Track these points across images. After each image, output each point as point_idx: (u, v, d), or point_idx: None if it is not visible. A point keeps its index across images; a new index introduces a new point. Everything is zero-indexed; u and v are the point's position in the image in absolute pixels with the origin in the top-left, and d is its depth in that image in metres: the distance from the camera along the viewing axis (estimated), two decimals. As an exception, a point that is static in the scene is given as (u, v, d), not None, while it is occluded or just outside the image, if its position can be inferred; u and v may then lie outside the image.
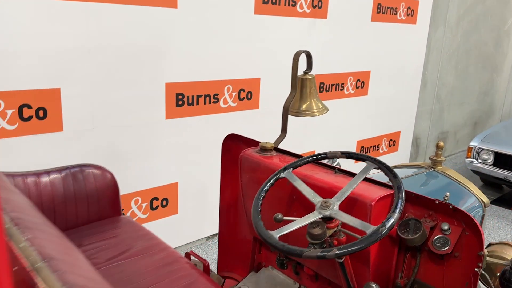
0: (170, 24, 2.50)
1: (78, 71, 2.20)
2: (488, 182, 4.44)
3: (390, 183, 1.12)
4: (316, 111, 1.54)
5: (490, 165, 3.93)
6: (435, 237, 1.14)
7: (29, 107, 2.08)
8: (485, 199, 1.65)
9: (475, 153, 4.02)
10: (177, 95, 2.64)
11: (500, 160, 3.88)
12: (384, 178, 1.28)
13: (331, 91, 3.67)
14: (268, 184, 1.24)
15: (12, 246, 0.74)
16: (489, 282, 1.29)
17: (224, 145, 1.75)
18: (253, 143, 1.63)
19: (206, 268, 1.70)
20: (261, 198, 1.20)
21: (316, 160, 1.31)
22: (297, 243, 1.19)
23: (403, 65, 4.30)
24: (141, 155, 2.55)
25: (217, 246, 2.64)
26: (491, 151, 3.92)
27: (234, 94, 2.93)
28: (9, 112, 2.02)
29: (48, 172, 1.64)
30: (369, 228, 0.98)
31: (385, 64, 4.09)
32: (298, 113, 1.54)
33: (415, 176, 1.71)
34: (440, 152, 1.75)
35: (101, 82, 2.29)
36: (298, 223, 1.07)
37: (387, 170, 1.13)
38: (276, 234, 1.07)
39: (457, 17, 5.00)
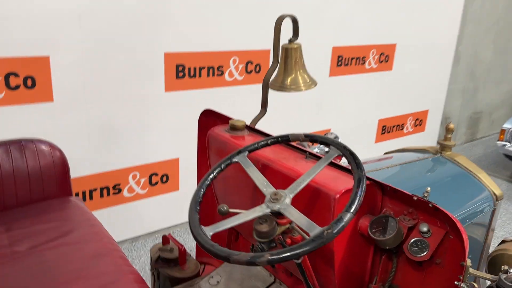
0: (169, -11, 2.34)
1: (68, 38, 2.09)
2: (522, 168, 4.10)
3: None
4: (302, 85, 1.36)
5: (525, 149, 3.60)
6: (412, 240, 0.96)
7: (16, 75, 2.00)
8: (498, 191, 1.43)
9: (508, 135, 3.68)
10: (178, 66, 2.49)
11: (536, 144, 3.54)
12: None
13: (350, 65, 3.42)
14: (217, 170, 1.09)
15: None
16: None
17: (200, 122, 1.61)
18: (228, 120, 1.49)
19: (182, 253, 1.59)
20: (204, 187, 1.05)
21: (277, 142, 1.15)
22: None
23: (434, 38, 3.96)
24: (138, 129, 2.45)
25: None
26: (527, 134, 3.58)
27: (240, 66, 2.76)
28: (-5, 80, 1.95)
29: None
30: (314, 230, 0.81)
31: (413, 37, 3.76)
32: (282, 88, 1.36)
33: (419, 161, 1.51)
34: (449, 136, 1.53)
35: (93, 51, 2.18)
36: (240, 218, 0.93)
37: (351, 157, 0.95)
38: (210, 231, 0.93)
39: (499, -14, 4.55)
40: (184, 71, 2.53)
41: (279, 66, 1.38)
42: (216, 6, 2.54)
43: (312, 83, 1.39)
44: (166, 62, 2.44)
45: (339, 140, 1.79)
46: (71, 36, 2.10)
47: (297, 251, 0.77)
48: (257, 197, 1.22)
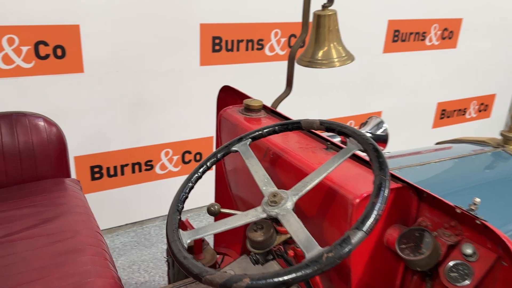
0: (206, -46, 2.17)
1: (99, 6, 2.00)
2: None
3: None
4: (336, 60, 1.15)
5: None
6: (452, 263, 0.75)
7: (46, 44, 1.94)
8: None
9: None
10: (214, 38, 2.34)
11: None
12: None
13: (408, 41, 3.09)
14: (211, 161, 0.93)
15: None
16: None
17: (219, 100, 1.45)
18: (246, 98, 1.31)
19: (198, 242, 1.46)
20: (193, 181, 0.89)
21: (286, 130, 0.95)
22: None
23: (507, 14, 3.48)
24: (171, 104, 2.34)
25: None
26: None
27: (283, 40, 2.55)
28: (24, 49, 1.90)
29: None
30: (311, 250, 0.63)
31: (482, 11, 3.33)
32: (311, 63, 1.16)
33: (475, 156, 1.25)
34: (517, 126, 1.26)
35: (125, 20, 2.07)
36: (228, 222, 0.76)
37: (374, 153, 0.74)
38: (188, 237, 0.77)
39: None
40: (221, 44, 2.37)
41: (310, 37, 1.18)
42: (258, -27, 2.34)
43: (348, 58, 1.17)
44: (202, 34, 2.29)
45: (384, 127, 1.57)
46: (102, 5, 2.00)
47: (283, 278, 0.60)
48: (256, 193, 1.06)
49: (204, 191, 2.60)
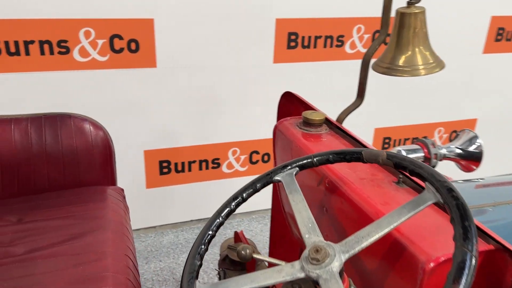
0: None
1: (174, 0, 1.96)
2: None
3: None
4: (421, 67, 0.95)
5: None
6: None
7: (121, 38, 1.95)
8: None
9: None
10: (290, 34, 2.20)
11: None
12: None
13: (515, 40, 2.68)
14: (247, 192, 0.78)
15: None
16: None
17: (280, 107, 1.30)
18: (309, 108, 1.15)
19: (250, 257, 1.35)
20: (223, 216, 0.76)
21: (342, 160, 0.76)
22: None
23: None
24: (241, 101, 2.26)
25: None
26: None
27: (366, 36, 2.33)
28: (100, 42, 1.92)
29: (14, 119, 1.33)
30: None
31: None
32: (390, 70, 0.97)
33: None
34: None
35: (198, 14, 2.01)
36: (256, 279, 0.62)
37: (458, 213, 0.54)
38: None
39: None
40: (297, 40, 2.22)
41: (391, 39, 1.00)
42: (342, -36, 2.14)
43: (437, 65, 0.97)
44: (277, 29, 2.17)
45: (478, 143, 1.32)
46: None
47: None
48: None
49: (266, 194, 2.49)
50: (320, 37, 2.25)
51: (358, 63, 2.40)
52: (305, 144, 0.98)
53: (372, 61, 1.09)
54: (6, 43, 1.79)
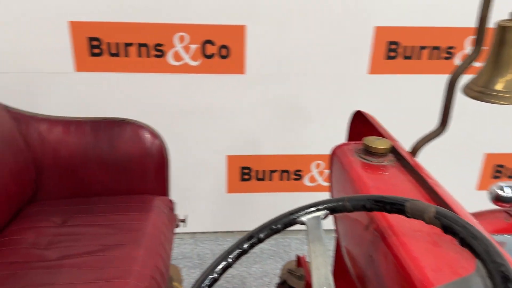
0: None
1: (266, 7, 1.92)
2: None
3: None
4: (525, 94, 0.75)
5: None
6: None
7: (212, 43, 1.97)
8: None
9: None
10: (390, 43, 2.02)
11: None
12: None
13: None
14: (264, 233, 0.68)
15: None
16: None
17: (352, 128, 1.16)
18: (378, 133, 0.99)
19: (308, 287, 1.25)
20: (218, 271, 0.65)
21: (383, 209, 0.62)
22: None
23: None
24: (329, 113, 2.14)
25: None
26: None
27: (481, 49, 2.04)
28: (193, 47, 1.97)
29: (75, 121, 1.34)
30: None
31: None
32: (484, 95, 0.78)
33: None
34: None
35: (290, 22, 1.95)
36: None
37: None
38: None
39: None
40: (398, 50, 2.03)
41: (487, 59, 0.82)
42: (457, -34, 1.90)
43: (549, 93, 0.76)
44: (376, 38, 2.00)
45: None
46: (270, 5, 1.92)
47: None
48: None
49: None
50: (425, 47, 2.03)
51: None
52: (360, 177, 0.84)
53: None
54: (108, 44, 1.92)
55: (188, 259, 2.21)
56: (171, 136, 2.00)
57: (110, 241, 1.10)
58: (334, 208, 0.68)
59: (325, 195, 2.44)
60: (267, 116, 2.12)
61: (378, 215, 0.74)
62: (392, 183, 0.84)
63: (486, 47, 0.81)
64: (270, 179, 2.28)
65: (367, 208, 0.65)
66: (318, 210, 0.69)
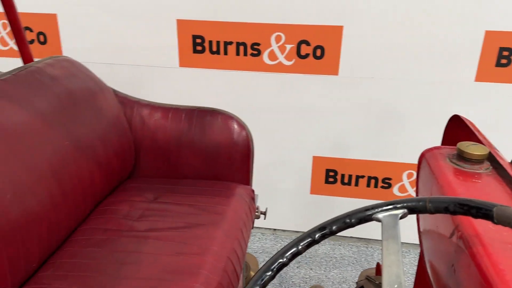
0: None
1: (365, 8, 1.88)
2: None
3: None
4: None
5: None
6: None
7: (308, 44, 1.99)
8: None
9: None
10: (501, 50, 1.84)
11: None
12: None
13: None
14: (323, 231, 0.65)
15: None
16: None
17: (447, 132, 1.08)
18: (476, 139, 0.91)
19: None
20: (288, 256, 0.63)
21: (467, 213, 0.56)
22: None
23: None
24: (425, 121, 2.02)
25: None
26: None
27: None
28: (288, 47, 2.00)
29: (173, 109, 1.43)
30: None
31: None
32: None
33: None
34: None
35: (390, 23, 1.88)
36: None
37: None
38: None
39: None
40: (511, 57, 1.85)
41: None
42: None
43: None
44: (485, 43, 1.85)
45: None
46: (368, 7, 1.87)
47: None
48: None
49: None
50: (544, 55, 1.82)
51: None
52: (449, 183, 0.79)
53: None
54: (210, 42, 2.04)
55: (267, 254, 2.25)
56: (260, 133, 2.06)
57: (193, 220, 1.18)
58: (414, 208, 0.65)
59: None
60: (358, 119, 2.08)
61: (465, 222, 0.69)
62: (485, 192, 0.77)
63: None
64: (356, 185, 2.22)
65: (450, 211, 0.61)
66: (396, 208, 0.66)
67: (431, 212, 0.63)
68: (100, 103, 1.31)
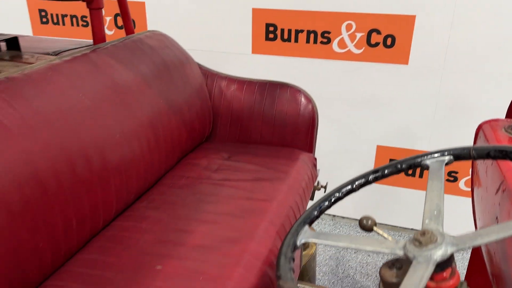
0: None
1: (440, -3, 1.90)
2: None
3: None
4: None
5: None
6: None
7: (378, 32, 2.03)
8: None
9: None
10: None
11: None
12: None
13: None
14: (376, 174, 0.75)
15: None
16: None
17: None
18: None
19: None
20: (343, 191, 0.73)
21: (506, 157, 0.65)
22: None
23: None
24: (494, 114, 1.98)
25: None
26: None
27: None
28: (358, 35, 2.06)
29: (247, 81, 1.58)
30: None
31: None
32: None
33: None
34: None
35: (463, 13, 1.88)
36: (355, 241, 0.65)
37: None
38: (304, 236, 0.66)
39: None
40: None
41: None
42: None
43: None
44: None
45: None
46: (445, -6, 1.89)
47: None
48: None
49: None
50: None
51: None
52: (503, 165, 0.83)
53: None
54: (282, 30, 2.15)
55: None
56: (325, 119, 2.13)
57: (261, 175, 1.34)
58: (459, 155, 0.72)
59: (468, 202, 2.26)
60: (426, 110, 2.08)
61: (510, 177, 0.74)
62: None
63: None
64: (420, 176, 2.22)
65: (491, 156, 0.68)
66: (443, 155, 0.74)
67: (474, 158, 0.71)
68: (188, 73, 1.50)
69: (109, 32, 2.47)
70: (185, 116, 1.41)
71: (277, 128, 1.54)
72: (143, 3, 2.32)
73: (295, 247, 0.72)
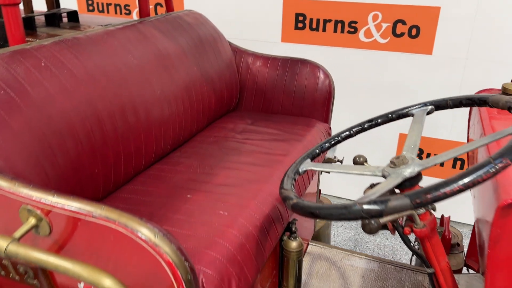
0: None
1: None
2: None
3: None
4: None
5: None
6: None
7: (404, 23, 2.11)
8: None
9: None
10: None
11: None
12: None
13: None
14: (371, 123, 0.94)
15: None
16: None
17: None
18: None
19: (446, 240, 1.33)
20: (342, 135, 0.86)
21: (471, 104, 0.84)
22: None
23: None
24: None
25: None
26: None
27: None
28: (384, 25, 2.15)
29: (271, 58, 1.76)
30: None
31: None
32: None
33: None
34: None
35: (487, 5, 1.95)
36: (344, 168, 0.85)
37: None
38: (305, 166, 0.84)
39: None
40: None
41: None
42: None
43: None
44: None
45: None
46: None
47: None
48: None
49: None
50: None
51: None
52: (485, 119, 0.94)
53: None
54: (311, 20, 2.26)
55: (345, 223, 2.39)
56: (349, 107, 2.22)
57: (279, 137, 1.51)
58: (438, 105, 0.86)
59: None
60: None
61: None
62: None
63: None
64: (441, 165, 2.28)
65: (463, 104, 0.88)
66: (425, 105, 0.88)
67: (451, 107, 0.85)
68: (219, 48, 1.68)
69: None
70: (216, 85, 1.59)
71: (296, 100, 1.70)
72: (182, -7, 2.48)
73: (297, 173, 0.90)
